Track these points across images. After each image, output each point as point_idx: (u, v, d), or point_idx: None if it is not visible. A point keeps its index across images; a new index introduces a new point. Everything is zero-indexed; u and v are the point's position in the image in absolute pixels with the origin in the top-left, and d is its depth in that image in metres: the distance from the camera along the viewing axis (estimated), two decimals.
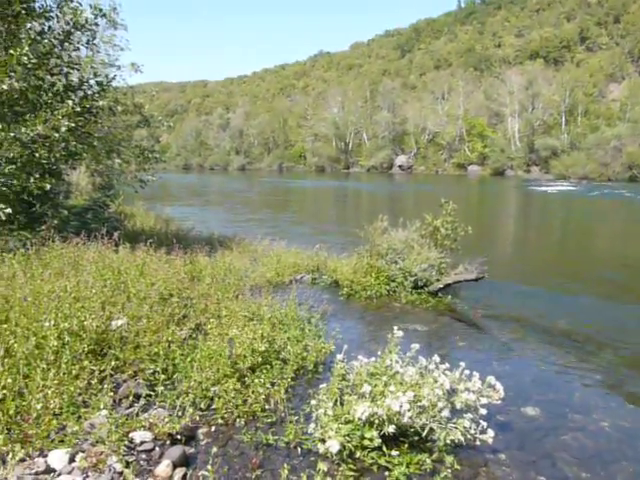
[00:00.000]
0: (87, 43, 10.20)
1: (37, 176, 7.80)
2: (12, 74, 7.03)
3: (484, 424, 3.84)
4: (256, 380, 4.54)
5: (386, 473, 3.54)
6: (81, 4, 9.40)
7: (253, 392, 4.39)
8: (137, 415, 3.97)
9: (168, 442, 3.71)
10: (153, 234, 10.67)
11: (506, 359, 5.98)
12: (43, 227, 7.97)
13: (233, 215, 23.85)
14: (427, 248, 8.48)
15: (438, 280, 8.22)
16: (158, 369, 4.59)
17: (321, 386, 4.17)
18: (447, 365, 4.33)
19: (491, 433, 3.80)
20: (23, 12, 7.64)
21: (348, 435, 3.77)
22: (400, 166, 76.03)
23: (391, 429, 3.66)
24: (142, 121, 12.92)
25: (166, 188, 40.61)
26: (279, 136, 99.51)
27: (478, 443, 3.87)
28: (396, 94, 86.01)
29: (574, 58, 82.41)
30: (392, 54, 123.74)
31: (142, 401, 4.23)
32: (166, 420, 3.89)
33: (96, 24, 10.12)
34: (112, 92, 10.84)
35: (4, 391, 3.69)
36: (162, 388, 4.21)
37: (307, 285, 8.81)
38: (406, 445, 3.88)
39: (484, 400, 3.98)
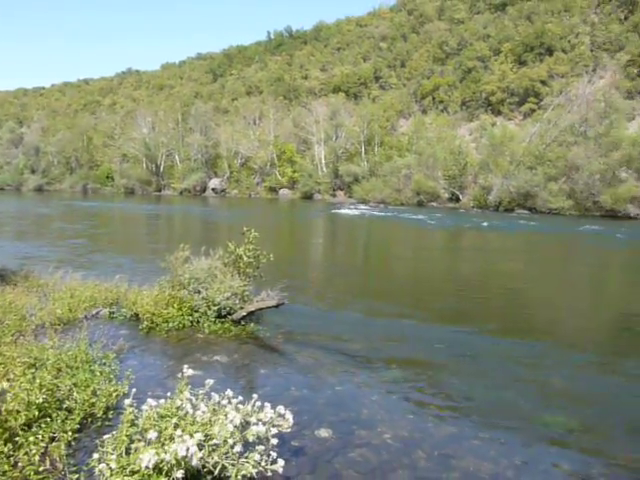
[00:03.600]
0: None
1: None
2: None
3: (274, 454, 3.93)
4: (31, 438, 4.07)
5: None
6: None
7: (26, 453, 3.91)
8: None
9: None
10: None
11: (304, 383, 6.24)
12: None
13: (22, 243, 21.32)
14: (230, 276, 8.53)
15: (242, 308, 8.30)
16: None
17: (105, 436, 3.88)
18: (241, 398, 4.37)
19: (281, 462, 3.90)
20: None
21: None
22: (213, 189, 75.79)
23: (179, 474, 3.55)
24: None
25: None
26: (83, 155, 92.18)
27: (270, 474, 3.95)
28: (208, 117, 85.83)
29: (370, 94, 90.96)
30: (204, 77, 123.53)
31: None
32: None
33: None
34: None
35: None
36: None
37: (104, 320, 8.24)
38: None
39: (274, 430, 4.08)
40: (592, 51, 75.82)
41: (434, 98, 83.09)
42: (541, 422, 5.47)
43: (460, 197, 54.95)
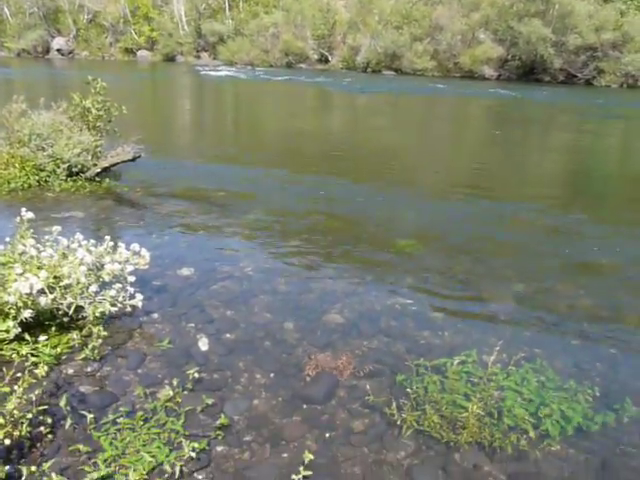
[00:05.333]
0: None
1: None
2: None
3: (132, 290, 3.90)
4: None
5: (33, 359, 3.35)
6: None
7: None
8: None
9: None
10: None
11: (166, 231, 6.17)
12: None
13: None
14: (79, 131, 7.80)
15: (95, 165, 7.74)
16: None
17: None
18: (93, 242, 4.20)
19: (140, 297, 3.90)
20: None
21: None
22: (59, 50, 66.64)
23: (27, 314, 3.42)
24: None
25: None
26: None
27: (129, 309, 3.95)
28: None
29: None
30: None
31: None
32: None
33: None
34: None
35: None
36: None
37: None
38: (54, 328, 3.72)
39: (131, 267, 4.01)
40: None
41: None
42: (392, 247, 5.98)
43: (329, 58, 53.97)
